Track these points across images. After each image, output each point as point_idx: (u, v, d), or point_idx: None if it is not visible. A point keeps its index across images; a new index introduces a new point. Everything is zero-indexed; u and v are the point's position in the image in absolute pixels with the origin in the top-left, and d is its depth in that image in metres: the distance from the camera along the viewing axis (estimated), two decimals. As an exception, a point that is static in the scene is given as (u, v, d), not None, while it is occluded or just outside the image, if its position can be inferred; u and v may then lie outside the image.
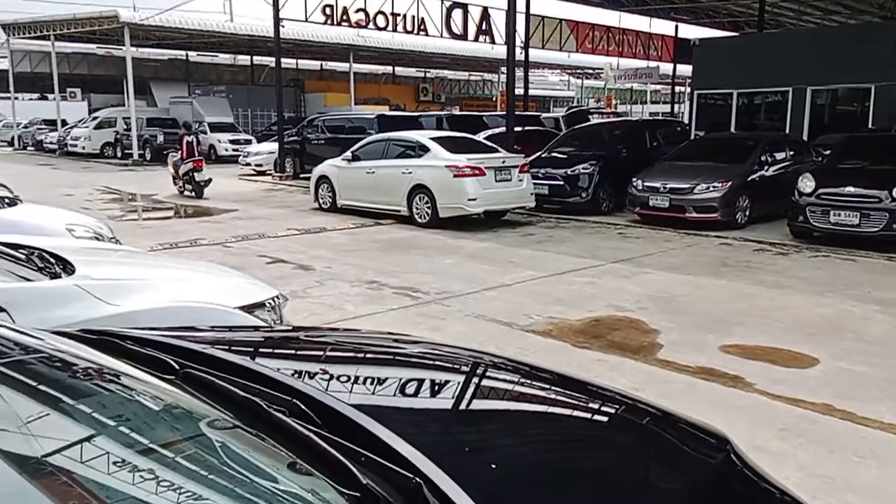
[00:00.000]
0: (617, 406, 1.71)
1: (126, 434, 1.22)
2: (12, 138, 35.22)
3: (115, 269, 3.28)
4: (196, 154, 15.23)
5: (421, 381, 1.82)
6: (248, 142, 25.75)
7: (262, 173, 20.45)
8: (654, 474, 1.44)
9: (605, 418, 1.67)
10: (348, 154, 12.88)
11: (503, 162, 11.45)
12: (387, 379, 1.79)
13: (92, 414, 1.26)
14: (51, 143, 30.50)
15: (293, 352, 2.02)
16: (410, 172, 11.54)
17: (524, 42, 22.07)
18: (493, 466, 1.28)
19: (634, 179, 11.79)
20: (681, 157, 12.46)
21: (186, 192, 15.49)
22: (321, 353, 1.98)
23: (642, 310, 6.51)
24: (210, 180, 15.48)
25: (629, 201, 11.97)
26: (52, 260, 3.08)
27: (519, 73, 17.67)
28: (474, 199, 10.97)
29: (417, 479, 1.10)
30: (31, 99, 41.21)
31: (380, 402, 1.60)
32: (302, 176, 18.34)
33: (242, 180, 19.57)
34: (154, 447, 1.17)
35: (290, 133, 19.80)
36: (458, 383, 1.83)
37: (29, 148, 33.40)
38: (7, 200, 4.92)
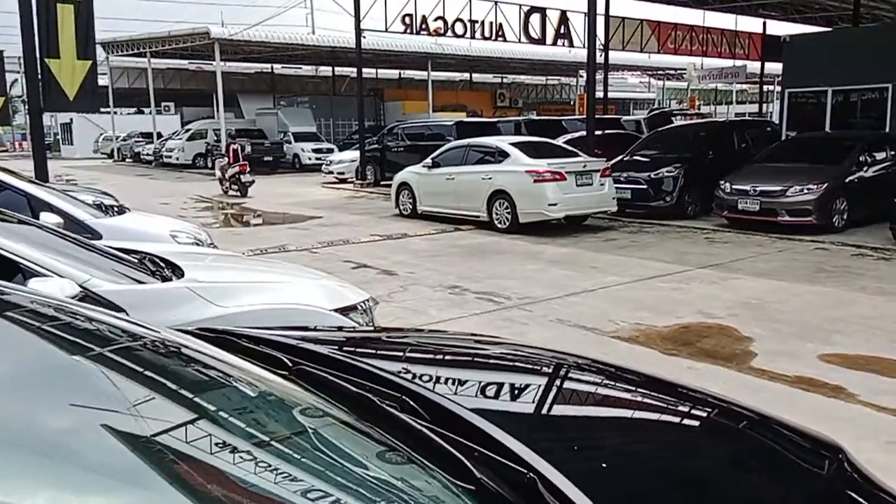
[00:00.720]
0: (722, 411, 1.68)
1: (243, 426, 1.29)
2: (112, 151, 37.39)
3: (219, 272, 3.45)
4: (241, 159, 17.53)
5: (516, 382, 1.84)
6: (331, 150, 26.40)
7: (344, 181, 20.95)
8: (763, 481, 1.41)
9: (711, 423, 1.64)
10: (428, 161, 13.03)
11: (584, 166, 11.33)
12: (485, 379, 1.82)
13: (213, 404, 1.34)
14: (147, 154, 32.20)
15: (392, 352, 2.07)
16: (490, 178, 11.58)
17: (604, 44, 21.77)
18: (604, 465, 1.29)
19: (722, 182, 11.43)
20: (772, 158, 12.00)
21: (231, 192, 17.65)
22: (418, 352, 2.03)
23: (733, 316, 6.30)
24: (253, 181, 17.65)
25: (716, 205, 11.61)
26: (161, 264, 3.27)
27: (598, 76, 17.44)
28: (555, 204, 10.89)
29: (531, 474, 1.12)
30: (128, 113, 43.70)
31: (480, 400, 1.62)
32: (383, 183, 18.68)
33: (325, 188, 20.11)
34: (269, 438, 1.23)
35: (370, 141, 20.20)
36: (552, 383, 1.84)
37: (127, 159, 35.37)
38: (116, 209, 5.26)
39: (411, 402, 1.39)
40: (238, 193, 17.43)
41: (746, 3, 24.65)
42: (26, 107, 47.36)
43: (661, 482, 1.34)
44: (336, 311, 3.15)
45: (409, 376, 1.58)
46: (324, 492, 1.09)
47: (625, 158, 13.19)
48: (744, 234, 10.79)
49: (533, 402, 1.69)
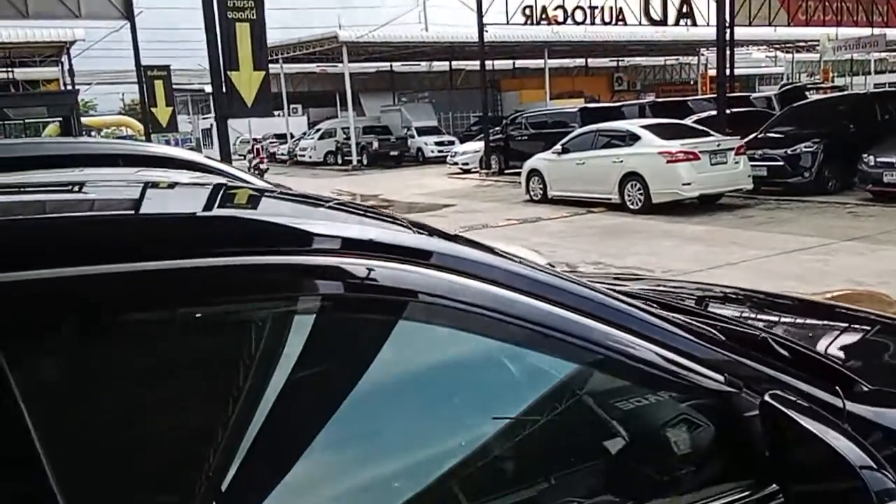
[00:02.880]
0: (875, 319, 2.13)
1: None
2: (248, 152, 40.22)
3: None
4: (262, 153, 25.82)
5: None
6: (452, 143, 27.27)
7: (468, 171, 21.69)
8: None
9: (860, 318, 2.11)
10: (558, 147, 13.48)
11: (718, 145, 11.40)
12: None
13: None
14: (282, 154, 34.49)
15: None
16: (621, 161, 11.88)
17: (729, 21, 21.22)
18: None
19: (865, 155, 11.14)
20: (919, 128, 11.54)
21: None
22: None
23: (884, 284, 6.39)
24: (268, 169, 24.16)
25: (859, 179, 11.34)
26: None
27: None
28: (689, 184, 11.06)
29: (762, 334, 1.65)
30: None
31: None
32: (506, 172, 19.26)
33: (451, 178, 20.95)
34: None
35: (493, 132, 20.82)
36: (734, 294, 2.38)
37: (263, 160, 37.97)
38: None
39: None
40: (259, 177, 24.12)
41: (886, -34, 23.19)
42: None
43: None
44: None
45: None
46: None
47: (759, 135, 13.06)
48: (890, 208, 10.51)
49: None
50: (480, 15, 19.30)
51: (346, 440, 1.05)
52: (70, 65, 24.89)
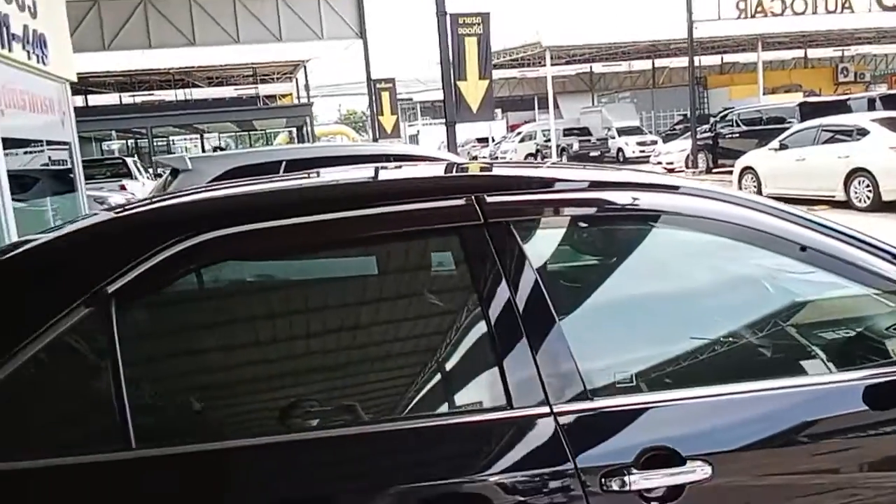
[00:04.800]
0: None
1: None
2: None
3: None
4: None
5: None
6: (654, 142, 26.89)
7: (672, 171, 21.35)
8: None
9: None
10: (774, 144, 13.09)
11: (965, 138, 10.50)
12: None
13: None
14: (483, 157, 36.00)
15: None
16: (847, 157, 11.33)
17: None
18: None
19: None
20: None
21: None
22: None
23: None
24: None
25: None
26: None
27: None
28: (927, 180, 10.31)
29: None
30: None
31: None
32: (714, 171, 18.76)
33: (655, 178, 20.76)
34: None
35: (701, 129, 20.34)
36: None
37: (465, 162, 39.91)
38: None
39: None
40: None
41: None
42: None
43: None
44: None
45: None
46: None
47: None
48: None
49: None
50: (690, 12, 19.02)
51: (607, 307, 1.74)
52: (306, 80, 28.14)
